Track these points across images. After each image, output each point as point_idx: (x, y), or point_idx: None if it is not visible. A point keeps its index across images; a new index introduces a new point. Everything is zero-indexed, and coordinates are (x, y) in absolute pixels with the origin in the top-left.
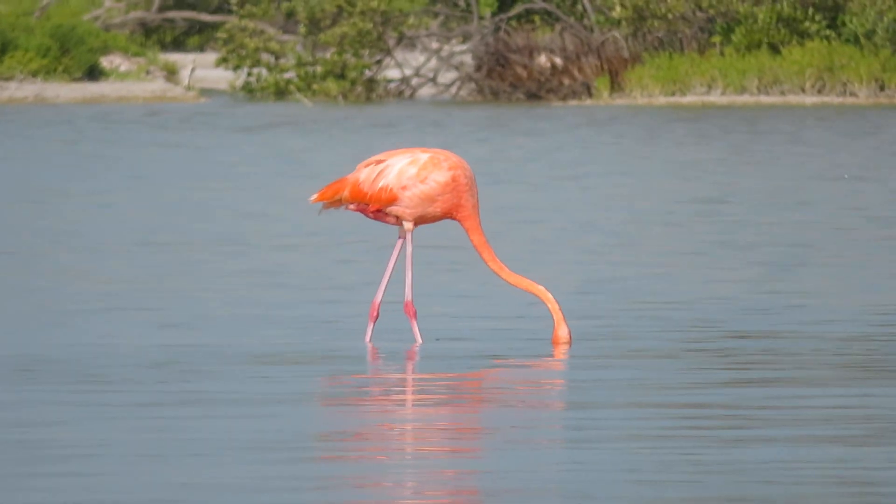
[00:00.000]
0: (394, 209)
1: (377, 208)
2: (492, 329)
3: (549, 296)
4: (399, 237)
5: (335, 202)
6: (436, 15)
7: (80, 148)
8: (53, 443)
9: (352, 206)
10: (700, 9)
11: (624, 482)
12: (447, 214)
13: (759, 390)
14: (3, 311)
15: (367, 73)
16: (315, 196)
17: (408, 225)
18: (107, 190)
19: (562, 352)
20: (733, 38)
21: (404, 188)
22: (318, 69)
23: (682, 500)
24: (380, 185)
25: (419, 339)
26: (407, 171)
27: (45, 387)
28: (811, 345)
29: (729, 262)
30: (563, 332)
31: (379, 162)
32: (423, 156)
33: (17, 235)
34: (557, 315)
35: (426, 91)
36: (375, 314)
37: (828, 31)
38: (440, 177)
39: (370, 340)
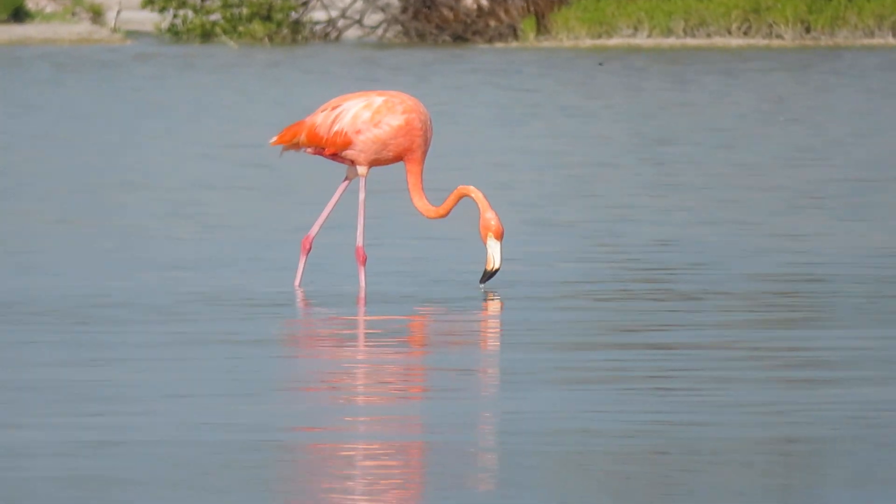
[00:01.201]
0: (348, 153)
1: (333, 152)
2: (439, 272)
3: (472, 188)
4: (344, 179)
5: (294, 145)
6: None
7: (16, 90)
8: (86, 383)
9: (309, 150)
10: None
11: (585, 424)
12: (399, 157)
13: (758, 332)
14: None
15: (293, 14)
16: (274, 139)
17: (362, 169)
18: (47, 132)
19: (492, 246)
20: None
21: (358, 132)
22: (244, 11)
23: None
24: (335, 129)
25: (363, 285)
26: (361, 115)
27: (50, 328)
28: (795, 286)
29: (691, 203)
30: (488, 215)
31: (336, 106)
32: (378, 99)
33: None
34: (483, 203)
35: (352, 33)
36: (308, 247)
37: None
38: (394, 120)
39: (300, 283)
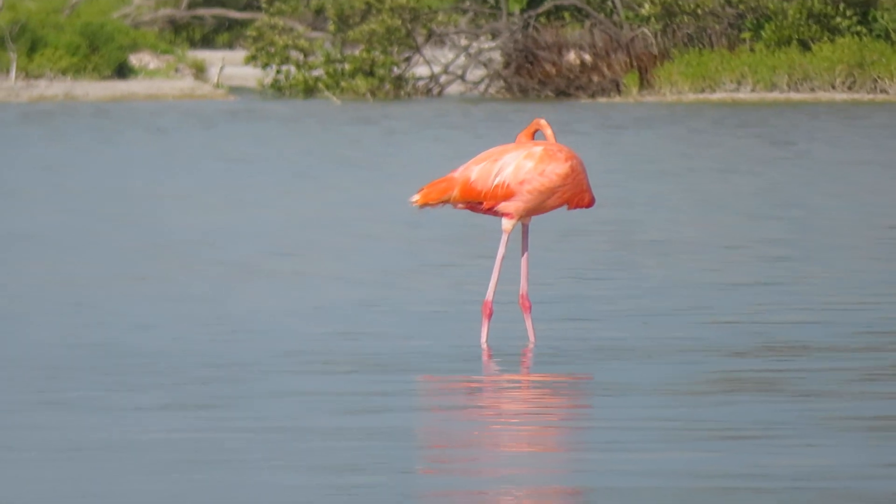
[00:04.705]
0: (506, 205)
1: (492, 205)
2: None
3: (530, 128)
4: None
5: (441, 202)
6: (465, 12)
7: (122, 145)
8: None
9: (461, 205)
10: (730, 4)
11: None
12: (563, 204)
13: None
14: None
15: (396, 70)
16: (418, 198)
17: (507, 224)
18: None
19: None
20: (763, 34)
21: (522, 183)
22: (347, 67)
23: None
24: (496, 181)
25: (484, 339)
26: (524, 165)
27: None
28: None
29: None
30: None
31: (492, 159)
32: (537, 149)
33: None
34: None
35: (454, 88)
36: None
37: (858, 27)
38: (559, 168)
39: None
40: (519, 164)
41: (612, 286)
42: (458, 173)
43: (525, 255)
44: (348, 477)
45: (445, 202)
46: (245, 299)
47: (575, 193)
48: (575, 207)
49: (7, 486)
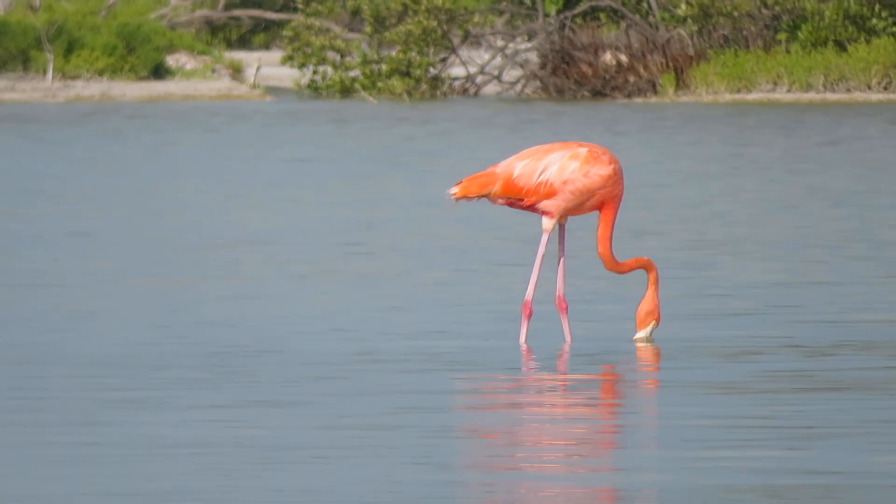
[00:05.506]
0: (546, 204)
1: (533, 202)
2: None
3: (655, 268)
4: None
5: (481, 196)
6: (501, 13)
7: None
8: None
9: (500, 201)
10: (766, 6)
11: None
12: (598, 207)
13: None
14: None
15: (432, 70)
16: (457, 191)
17: (547, 224)
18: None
19: (639, 329)
20: (799, 35)
21: (565, 182)
22: (384, 67)
23: None
24: (539, 179)
25: (523, 338)
26: (568, 165)
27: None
28: None
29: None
30: (647, 305)
31: (536, 157)
32: (582, 150)
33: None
34: (656, 289)
35: (490, 89)
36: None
37: (894, 28)
38: (602, 170)
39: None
40: (563, 164)
41: (666, 286)
42: (501, 168)
43: (562, 255)
44: (415, 474)
45: (484, 196)
46: (310, 298)
47: (613, 196)
48: (604, 210)
49: (88, 482)
